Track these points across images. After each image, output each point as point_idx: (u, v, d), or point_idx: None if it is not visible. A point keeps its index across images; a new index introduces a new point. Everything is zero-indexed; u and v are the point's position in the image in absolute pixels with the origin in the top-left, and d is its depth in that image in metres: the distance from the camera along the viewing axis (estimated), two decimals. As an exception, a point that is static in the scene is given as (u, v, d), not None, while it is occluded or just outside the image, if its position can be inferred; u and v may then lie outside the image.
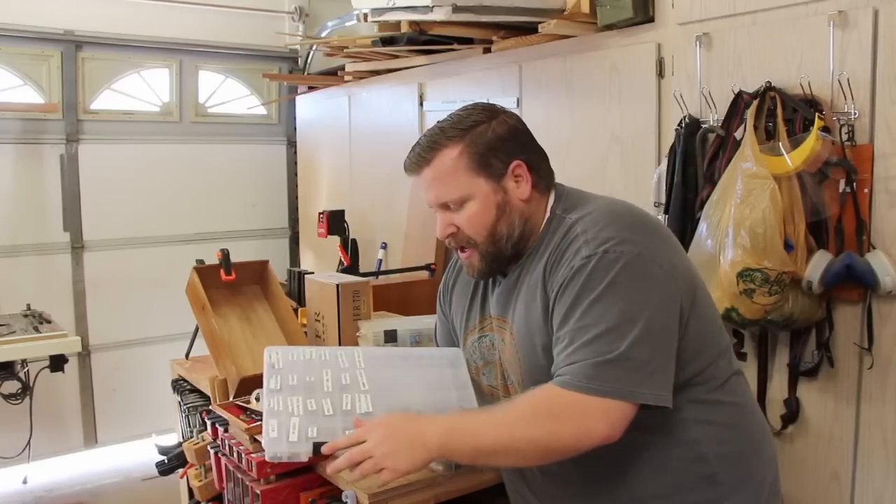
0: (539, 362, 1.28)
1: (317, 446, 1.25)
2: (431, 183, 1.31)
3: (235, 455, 1.77)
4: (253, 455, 1.69)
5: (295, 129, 4.51)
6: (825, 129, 1.72)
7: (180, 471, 2.31)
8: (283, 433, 1.26)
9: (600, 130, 2.37)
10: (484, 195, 1.29)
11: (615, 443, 1.21)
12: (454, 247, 1.37)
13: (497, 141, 1.29)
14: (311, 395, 1.33)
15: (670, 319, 1.19)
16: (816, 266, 1.70)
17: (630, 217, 1.27)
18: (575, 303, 1.18)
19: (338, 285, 2.15)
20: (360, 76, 3.55)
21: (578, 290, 1.18)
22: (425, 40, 2.86)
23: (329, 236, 3.20)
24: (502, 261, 1.34)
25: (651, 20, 2.19)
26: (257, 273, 2.33)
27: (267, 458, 1.26)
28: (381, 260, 3.44)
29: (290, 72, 4.59)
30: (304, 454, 1.25)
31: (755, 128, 1.80)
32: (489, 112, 1.32)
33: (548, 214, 1.33)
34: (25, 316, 3.40)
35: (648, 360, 1.15)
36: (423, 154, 1.31)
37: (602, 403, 1.13)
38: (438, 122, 1.34)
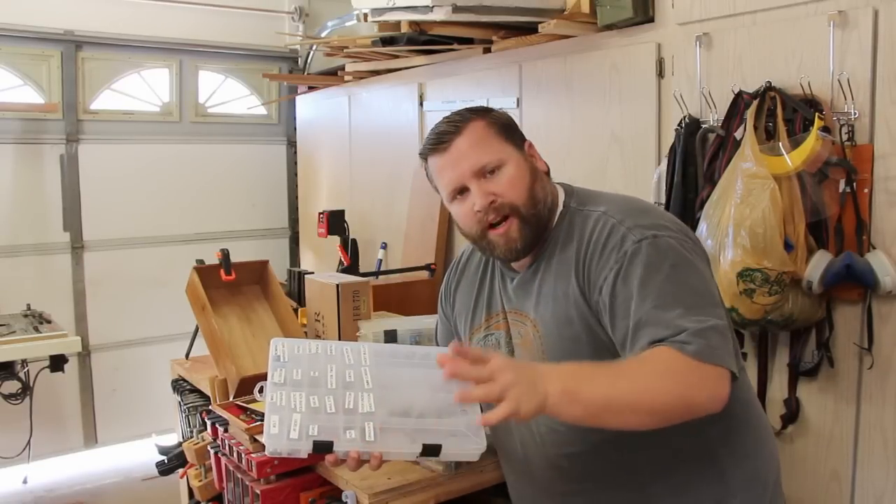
0: (565, 356, 1.27)
1: (316, 444, 1.25)
2: (467, 151, 1.29)
3: (235, 455, 1.77)
4: (253, 455, 1.69)
5: (295, 129, 4.50)
6: (825, 129, 1.72)
7: (180, 471, 2.31)
8: (284, 429, 1.26)
9: (600, 130, 2.37)
10: (517, 160, 1.31)
11: (626, 438, 1.22)
12: (490, 221, 1.30)
13: (510, 121, 1.36)
14: (315, 391, 1.33)
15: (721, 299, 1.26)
16: (816, 266, 1.70)
17: (655, 209, 1.35)
18: (644, 284, 1.17)
19: (338, 285, 2.15)
20: (360, 76, 3.55)
21: (642, 272, 1.18)
22: (425, 40, 2.86)
23: (329, 236, 3.20)
24: (540, 229, 1.31)
25: (651, 20, 2.19)
26: (257, 273, 2.33)
27: (267, 453, 1.27)
28: (381, 260, 3.44)
29: (290, 72, 4.59)
30: (303, 451, 1.25)
31: (755, 128, 1.80)
32: (487, 108, 1.37)
33: (560, 208, 1.34)
34: (25, 316, 3.40)
35: (731, 334, 1.21)
36: (449, 129, 1.30)
37: (715, 370, 1.11)
38: (445, 117, 1.36)
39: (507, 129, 1.33)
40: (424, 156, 1.35)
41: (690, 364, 1.10)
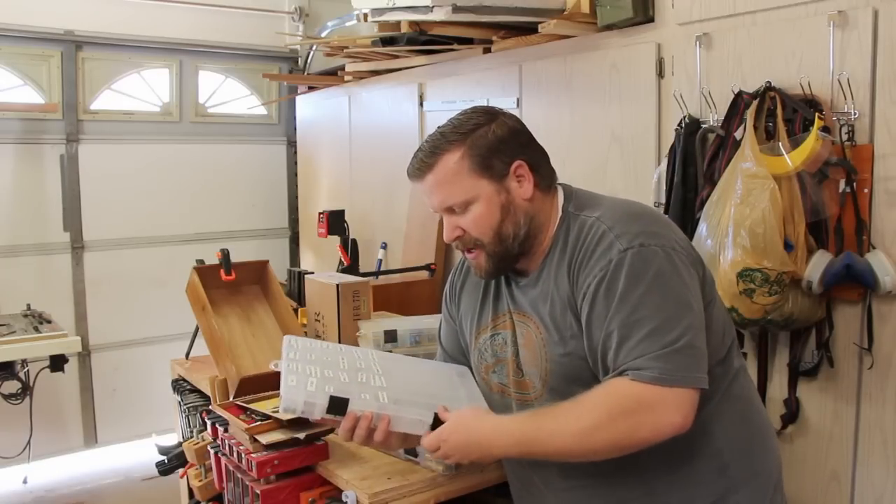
0: (563, 358, 1.30)
1: (334, 400, 1.25)
2: (435, 188, 1.33)
3: (235, 455, 1.77)
4: (253, 455, 1.69)
5: (295, 129, 4.50)
6: (825, 129, 1.72)
7: (180, 471, 2.31)
8: (302, 384, 1.26)
9: (600, 130, 2.37)
10: (488, 197, 1.31)
11: None
12: (461, 249, 1.38)
13: (497, 142, 1.31)
14: (328, 368, 1.35)
15: (701, 307, 1.24)
16: (816, 266, 1.70)
17: (649, 215, 1.32)
18: (624, 296, 1.20)
19: (338, 285, 2.16)
20: (360, 76, 3.55)
21: (624, 283, 1.20)
22: (425, 40, 2.86)
23: (329, 236, 3.20)
24: (509, 260, 1.36)
25: (651, 20, 2.19)
26: (257, 273, 2.33)
27: (282, 409, 1.27)
28: (381, 260, 3.45)
29: (290, 72, 4.59)
30: (319, 405, 1.25)
31: (755, 128, 1.80)
32: (489, 115, 1.34)
33: (560, 213, 1.35)
34: (25, 316, 3.40)
35: (702, 345, 1.20)
36: (425, 160, 1.33)
37: (675, 394, 1.15)
38: (439, 127, 1.36)
39: (485, 160, 1.30)
40: (408, 177, 1.38)
41: (636, 395, 1.15)
